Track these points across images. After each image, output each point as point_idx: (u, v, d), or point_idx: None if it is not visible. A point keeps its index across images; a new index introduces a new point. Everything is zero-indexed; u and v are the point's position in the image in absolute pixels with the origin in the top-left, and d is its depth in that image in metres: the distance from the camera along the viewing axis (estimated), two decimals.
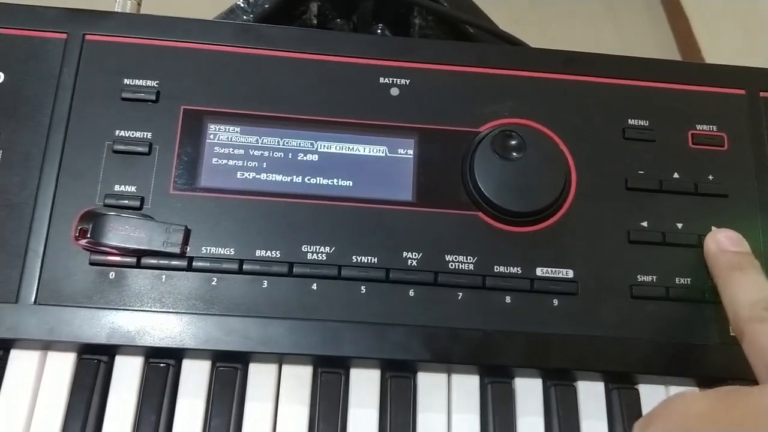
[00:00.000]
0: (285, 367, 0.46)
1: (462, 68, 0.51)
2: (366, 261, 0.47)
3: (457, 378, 0.47)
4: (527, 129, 0.50)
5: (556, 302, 0.47)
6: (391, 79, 0.51)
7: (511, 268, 0.48)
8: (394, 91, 0.51)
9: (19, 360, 0.45)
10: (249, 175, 0.48)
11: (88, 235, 0.44)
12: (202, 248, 0.46)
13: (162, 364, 0.45)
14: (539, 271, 0.48)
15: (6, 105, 0.48)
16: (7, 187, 0.46)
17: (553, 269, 0.48)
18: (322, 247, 0.47)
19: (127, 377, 0.45)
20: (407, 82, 0.51)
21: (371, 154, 0.49)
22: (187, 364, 0.46)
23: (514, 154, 0.48)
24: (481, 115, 0.50)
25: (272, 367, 0.46)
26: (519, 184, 0.48)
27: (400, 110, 0.50)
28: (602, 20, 1.95)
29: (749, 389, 0.36)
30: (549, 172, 0.49)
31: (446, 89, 0.51)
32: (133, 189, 0.47)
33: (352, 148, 0.49)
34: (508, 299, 0.47)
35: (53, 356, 0.45)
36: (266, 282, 0.46)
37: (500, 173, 0.48)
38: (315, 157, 0.49)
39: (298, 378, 0.46)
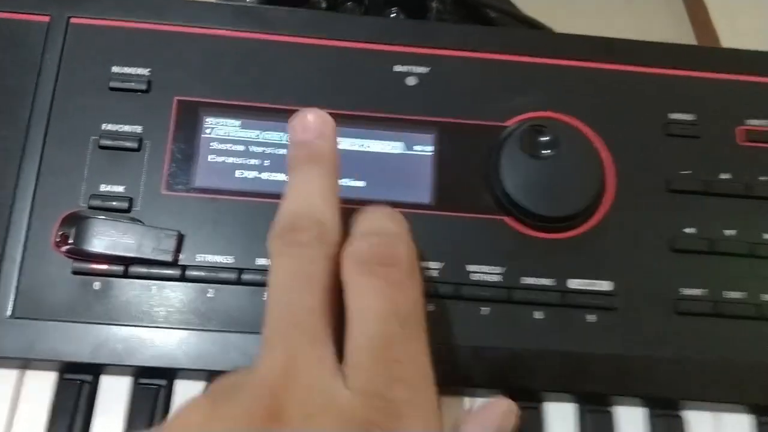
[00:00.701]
0: None
1: (486, 55, 0.46)
2: None
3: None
4: (559, 124, 0.44)
5: (591, 318, 0.42)
6: (407, 67, 0.46)
7: (541, 279, 0.43)
8: (411, 81, 0.46)
9: None
10: (249, 174, 0.43)
11: (70, 241, 0.40)
12: (197, 256, 0.41)
13: (152, 385, 0.41)
14: (572, 283, 0.43)
15: None
16: None
17: (588, 281, 0.43)
18: None
19: (113, 399, 0.41)
20: (426, 70, 0.46)
21: (385, 151, 0.44)
22: (181, 385, 0.41)
23: (545, 151, 0.43)
24: (507, 108, 0.45)
25: None
26: (550, 186, 0.43)
27: (417, 102, 0.45)
28: (617, 6, 1.89)
29: (246, 371, 0.30)
30: (583, 172, 0.44)
31: (469, 79, 0.46)
32: (120, 189, 0.42)
33: (364, 144, 0.44)
34: (537, 314, 0.42)
35: (32, 375, 0.41)
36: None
37: (529, 173, 0.43)
38: None
39: None
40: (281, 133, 0.44)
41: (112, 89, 0.44)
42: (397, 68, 0.46)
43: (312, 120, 0.35)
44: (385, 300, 0.30)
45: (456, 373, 0.41)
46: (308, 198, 0.33)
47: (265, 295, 0.33)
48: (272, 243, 0.32)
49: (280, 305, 0.31)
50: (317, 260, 0.31)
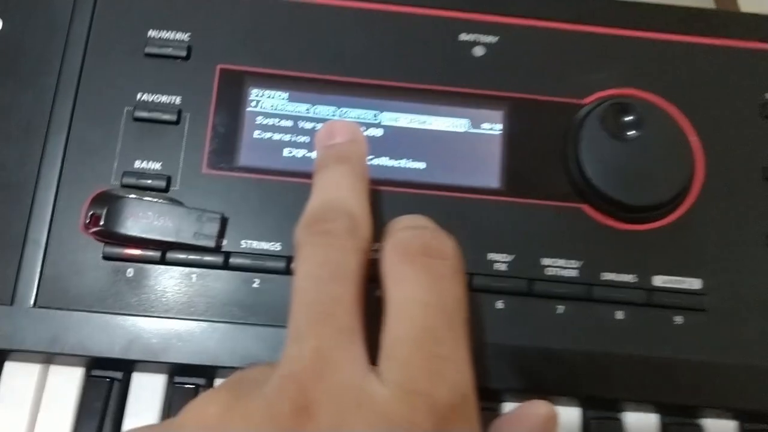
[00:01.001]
0: None
1: (562, 25, 0.42)
2: None
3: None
4: (644, 102, 0.40)
5: (678, 319, 0.38)
6: (474, 36, 0.41)
7: (623, 275, 0.38)
8: (479, 51, 0.41)
9: (15, 375, 0.36)
10: (298, 152, 0.39)
11: (101, 223, 0.36)
12: (242, 242, 0.37)
13: (190, 385, 0.37)
14: (658, 280, 0.38)
15: (4, 60, 0.39)
16: (3, 162, 0.37)
17: (676, 278, 0.38)
18: None
19: (146, 399, 0.37)
20: (494, 40, 0.41)
21: (449, 129, 0.40)
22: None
23: (630, 132, 0.39)
24: (585, 84, 0.41)
25: None
26: (635, 171, 0.38)
27: (485, 75, 0.40)
28: None
29: (269, 364, 0.28)
30: (671, 157, 0.39)
31: (543, 50, 0.41)
32: (157, 166, 0.38)
33: (426, 121, 0.40)
34: (618, 314, 0.38)
35: (56, 371, 0.37)
36: None
37: (612, 156, 0.38)
38: (379, 132, 0.40)
39: None
40: (333, 107, 0.40)
41: (148, 55, 0.39)
42: (463, 37, 0.41)
43: (341, 125, 0.34)
44: (431, 292, 0.27)
45: (527, 378, 0.37)
46: (337, 191, 0.31)
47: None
48: (299, 233, 0.30)
49: (308, 294, 0.28)
50: (347, 251, 0.29)
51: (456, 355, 0.27)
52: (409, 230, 0.30)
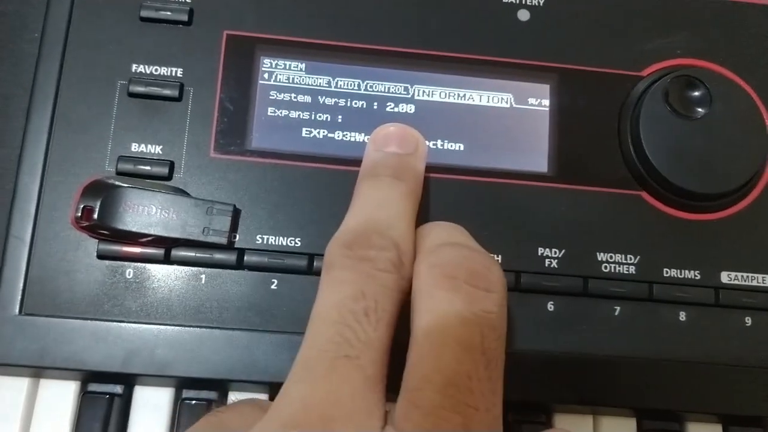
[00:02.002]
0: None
1: None
2: None
3: (608, 422, 0.34)
4: (712, 74, 0.35)
5: (749, 321, 0.34)
6: None
7: (687, 271, 0.34)
8: (523, 15, 0.36)
9: (1, 391, 0.32)
10: (319, 132, 0.34)
11: (95, 217, 0.31)
12: (257, 237, 0.32)
13: (200, 401, 0.32)
14: (726, 277, 0.34)
15: None
16: None
17: (746, 274, 0.34)
18: None
19: (150, 417, 0.32)
20: (541, 2, 0.36)
21: (490, 104, 0.35)
22: (236, 400, 0.33)
23: (698, 109, 0.34)
24: (643, 53, 0.36)
25: None
26: (702, 153, 0.34)
27: (530, 43, 0.35)
28: None
29: (250, 406, 0.26)
30: (744, 138, 0.34)
31: (595, 14, 0.36)
32: (157, 150, 0.33)
33: (464, 95, 0.35)
34: (682, 315, 0.34)
35: (47, 386, 0.32)
36: None
37: (676, 137, 0.34)
38: (411, 108, 0.35)
39: None
40: (358, 80, 0.35)
41: (144, 20, 0.34)
42: None
43: (405, 133, 0.30)
44: (472, 330, 0.24)
45: (580, 389, 0.33)
46: (387, 213, 0.27)
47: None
48: (336, 251, 0.26)
49: (334, 328, 0.24)
50: (388, 289, 0.25)
51: (489, 403, 0.23)
52: (454, 249, 0.26)
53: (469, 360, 0.23)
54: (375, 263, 0.25)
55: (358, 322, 0.24)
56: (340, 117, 0.34)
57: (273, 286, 0.32)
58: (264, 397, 0.33)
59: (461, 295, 0.24)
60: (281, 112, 0.34)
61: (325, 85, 0.34)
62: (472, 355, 0.23)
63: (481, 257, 0.26)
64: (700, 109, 0.34)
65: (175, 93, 0.33)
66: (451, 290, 0.24)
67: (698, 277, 0.34)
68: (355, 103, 0.34)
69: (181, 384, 0.32)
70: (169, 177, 0.32)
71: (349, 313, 0.24)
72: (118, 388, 0.32)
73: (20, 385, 0.32)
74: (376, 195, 0.28)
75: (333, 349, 0.23)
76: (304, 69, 0.35)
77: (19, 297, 0.31)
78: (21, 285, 0.31)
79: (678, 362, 0.33)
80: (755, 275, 0.34)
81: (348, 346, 0.23)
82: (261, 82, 0.34)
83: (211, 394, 0.33)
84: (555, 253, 0.33)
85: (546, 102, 0.35)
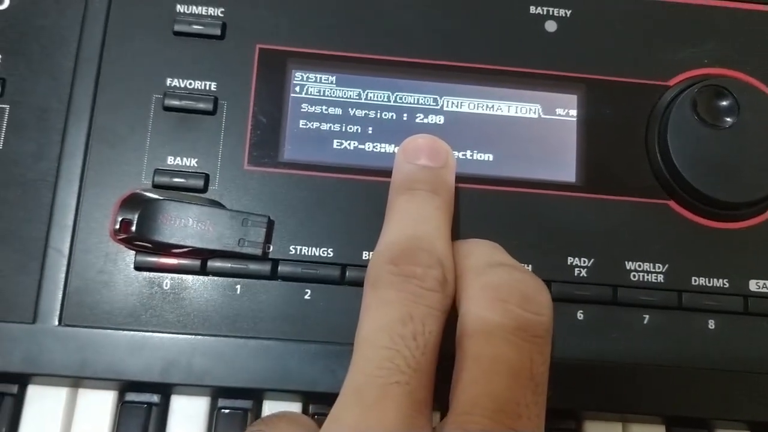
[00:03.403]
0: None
1: None
2: None
3: (637, 430, 0.35)
4: (740, 83, 0.35)
5: None
6: (546, 9, 0.36)
7: (716, 280, 0.34)
8: (551, 26, 0.36)
9: (41, 400, 0.33)
10: (350, 143, 0.34)
11: (133, 229, 0.31)
12: (290, 248, 0.33)
13: (235, 410, 0.33)
14: (754, 285, 0.34)
15: (12, 41, 0.34)
16: (16, 157, 0.33)
17: None
18: None
19: (186, 426, 0.33)
20: (568, 13, 0.36)
21: (518, 115, 0.35)
22: (271, 409, 0.33)
23: (726, 119, 0.34)
24: (670, 63, 0.36)
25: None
26: (730, 162, 0.34)
27: (558, 53, 0.36)
28: None
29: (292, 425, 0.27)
30: None
31: (622, 24, 0.36)
32: (193, 163, 0.33)
33: (492, 106, 0.35)
34: (711, 324, 0.34)
35: (86, 396, 0.33)
36: None
37: (704, 146, 0.34)
38: (440, 119, 0.35)
39: None
40: (388, 92, 0.35)
41: (178, 34, 0.34)
42: (534, 10, 0.36)
43: (435, 145, 0.30)
44: (523, 356, 0.24)
45: (610, 396, 0.33)
46: (429, 229, 0.27)
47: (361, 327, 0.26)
48: (381, 268, 0.26)
49: (382, 353, 0.24)
50: (435, 309, 0.25)
51: (534, 426, 0.24)
52: (506, 272, 0.26)
53: (518, 386, 0.24)
54: (422, 281, 0.25)
55: (407, 347, 0.24)
56: (370, 128, 0.35)
57: (306, 296, 0.33)
58: (297, 405, 0.33)
59: (513, 320, 0.24)
60: (312, 125, 0.34)
61: (355, 97, 0.35)
62: (521, 381, 0.24)
63: (532, 280, 0.26)
64: (728, 119, 0.34)
65: (209, 106, 0.33)
66: (503, 314, 0.25)
67: (727, 285, 0.34)
68: (385, 115, 0.35)
69: (217, 393, 0.33)
70: (204, 189, 0.33)
71: (399, 338, 0.24)
72: (155, 398, 0.33)
73: (60, 394, 0.32)
74: (414, 210, 0.28)
75: (384, 375, 0.24)
76: (334, 82, 0.35)
77: (59, 308, 0.32)
78: (60, 297, 0.32)
79: (707, 370, 0.33)
80: None
81: (398, 372, 0.24)
82: (293, 95, 0.35)
83: (247, 404, 0.33)
84: (584, 262, 0.34)
85: (574, 112, 0.35)
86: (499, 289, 0.25)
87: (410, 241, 0.27)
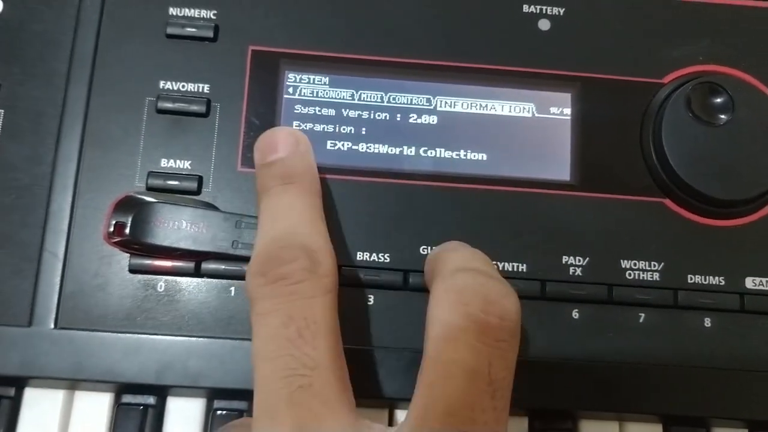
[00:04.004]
0: (398, 413, 0.34)
1: None
2: (510, 269, 0.33)
3: (633, 429, 0.35)
4: (734, 80, 0.35)
5: None
6: (539, 7, 0.36)
7: (712, 278, 0.34)
8: (544, 25, 0.36)
9: (37, 403, 0.33)
10: (343, 144, 0.35)
11: (127, 232, 0.31)
12: None
13: (231, 411, 0.33)
14: (750, 282, 0.34)
15: (6, 45, 0.34)
16: (11, 161, 0.33)
17: None
18: None
19: (182, 428, 0.33)
20: (561, 12, 0.36)
21: (512, 114, 0.35)
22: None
23: (720, 116, 0.34)
24: (665, 60, 0.36)
25: (383, 413, 0.34)
26: (725, 160, 0.34)
27: (551, 52, 0.36)
28: None
29: None
30: (766, 144, 0.34)
31: (616, 22, 0.36)
32: (186, 165, 0.33)
33: (486, 106, 0.35)
34: (707, 322, 0.34)
35: (82, 398, 0.33)
36: (373, 297, 0.33)
37: (699, 144, 0.34)
38: (433, 119, 0.35)
39: None
40: (381, 93, 0.35)
41: (170, 37, 0.34)
42: (527, 8, 0.36)
43: (281, 137, 0.30)
44: (481, 359, 0.24)
45: (607, 396, 0.33)
46: (287, 223, 0.27)
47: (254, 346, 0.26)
48: (251, 284, 0.26)
49: (276, 363, 0.24)
50: (312, 297, 0.25)
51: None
52: (470, 276, 0.25)
53: (474, 390, 0.23)
54: (290, 278, 0.25)
55: (297, 347, 0.24)
56: (363, 129, 0.35)
57: None
58: None
59: (473, 324, 0.24)
60: (306, 126, 0.34)
61: (348, 98, 0.35)
62: (477, 385, 0.23)
63: (496, 285, 0.25)
64: (722, 116, 0.34)
65: (202, 109, 0.34)
66: (463, 318, 0.24)
67: (723, 283, 0.34)
68: (379, 115, 0.35)
69: (213, 395, 0.33)
70: (198, 191, 0.33)
71: (286, 341, 0.24)
72: (151, 399, 0.33)
73: (56, 397, 0.33)
74: (270, 209, 0.28)
75: (285, 386, 0.23)
76: (327, 82, 0.35)
77: (54, 312, 0.32)
78: (56, 300, 0.32)
79: (703, 368, 0.33)
80: None
81: (298, 376, 0.23)
82: (286, 96, 0.35)
83: (242, 404, 0.33)
84: (579, 261, 0.34)
85: (568, 111, 0.35)
86: (462, 293, 0.25)
87: (269, 245, 0.26)
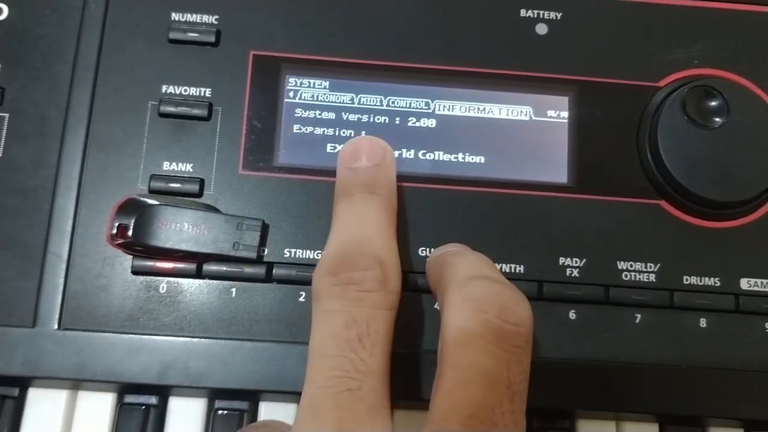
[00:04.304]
0: (398, 413, 0.34)
1: None
2: (508, 270, 0.34)
3: (630, 428, 0.35)
4: (729, 84, 0.35)
5: None
6: (536, 12, 0.37)
7: (707, 279, 0.34)
8: (541, 29, 0.37)
9: (41, 403, 0.33)
10: None
11: (130, 234, 0.32)
12: (285, 251, 0.33)
13: (232, 411, 0.33)
14: (745, 283, 0.35)
15: (11, 50, 0.34)
16: (16, 164, 0.33)
17: (765, 281, 0.35)
18: None
19: (184, 427, 0.33)
20: (558, 16, 0.37)
21: (510, 117, 0.36)
22: (267, 409, 0.34)
23: (716, 119, 0.34)
24: (661, 64, 0.36)
25: None
26: (720, 162, 0.34)
27: (549, 56, 0.36)
28: None
29: None
30: (762, 146, 0.35)
31: (612, 27, 0.37)
32: (188, 168, 0.34)
33: (484, 109, 0.36)
34: (703, 322, 0.34)
35: (86, 398, 0.34)
36: None
37: (694, 146, 0.34)
38: (432, 122, 0.35)
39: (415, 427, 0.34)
40: (380, 96, 0.36)
41: (173, 42, 0.35)
42: (524, 13, 0.37)
43: (369, 144, 0.30)
44: (500, 365, 0.25)
45: (604, 396, 0.33)
46: (365, 230, 0.28)
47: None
48: (321, 281, 0.26)
49: (331, 361, 0.25)
50: (378, 309, 0.26)
51: None
52: (486, 284, 0.26)
53: (494, 394, 0.24)
54: (361, 284, 0.25)
55: (354, 351, 0.24)
56: (363, 132, 0.35)
57: (301, 299, 0.33)
58: (292, 406, 0.34)
59: (491, 330, 0.25)
60: (306, 129, 0.35)
61: (348, 102, 0.35)
62: (497, 389, 0.24)
63: (512, 292, 0.26)
64: (717, 119, 0.34)
65: (204, 112, 0.34)
66: (482, 324, 0.25)
67: (718, 284, 0.34)
68: (378, 119, 0.35)
69: (214, 395, 0.33)
70: (199, 194, 0.33)
71: (345, 343, 0.24)
72: (153, 399, 0.33)
73: (59, 397, 0.33)
74: (351, 214, 0.28)
75: (334, 385, 0.24)
76: (328, 87, 0.35)
77: (58, 312, 0.32)
78: (59, 301, 0.32)
79: (699, 368, 0.34)
80: None
81: (348, 379, 0.24)
82: (286, 100, 0.35)
83: (243, 405, 0.34)
84: (576, 262, 0.34)
85: (565, 114, 0.36)
86: (479, 300, 0.25)
87: (346, 248, 0.27)
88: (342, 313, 0.25)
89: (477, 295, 0.26)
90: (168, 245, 0.32)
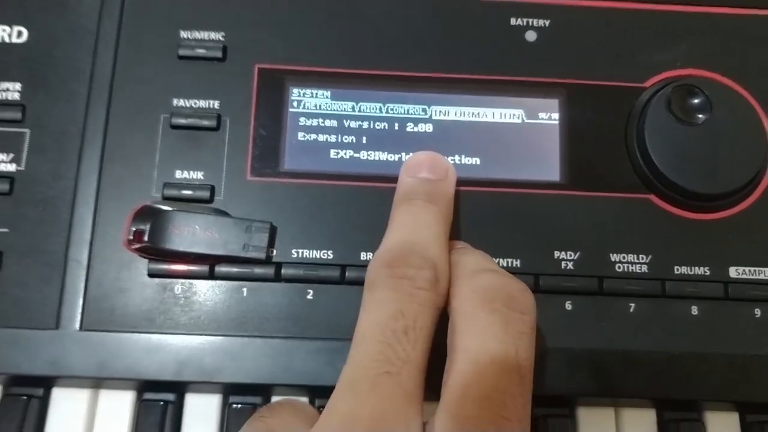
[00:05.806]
0: None
1: (618, 4, 0.39)
2: (505, 264, 0.36)
3: (628, 414, 0.36)
4: (712, 83, 0.37)
5: (758, 313, 0.36)
6: (525, 20, 0.39)
7: (697, 268, 0.36)
8: (531, 36, 0.38)
9: (64, 402, 0.35)
10: (345, 153, 0.37)
11: (145, 239, 0.34)
12: (292, 251, 0.35)
13: (246, 405, 0.35)
14: (734, 272, 0.36)
15: (31, 71, 0.37)
16: (37, 176, 0.35)
17: (753, 269, 0.36)
18: None
19: (201, 422, 0.35)
20: (547, 23, 0.39)
21: (503, 120, 0.37)
22: (275, 401, 0.35)
23: (699, 116, 0.36)
24: (646, 66, 0.38)
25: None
26: (705, 157, 0.36)
27: (539, 61, 0.38)
28: None
29: (290, 414, 0.29)
30: (744, 140, 0.36)
31: (598, 32, 0.39)
32: (199, 176, 0.36)
33: (478, 113, 0.37)
34: (694, 310, 0.36)
35: (107, 396, 0.35)
36: None
37: (680, 142, 0.36)
38: (429, 127, 0.37)
39: None
40: (379, 104, 0.37)
41: (182, 58, 0.37)
42: (514, 21, 0.39)
43: (437, 160, 0.32)
44: (508, 349, 0.26)
45: (601, 382, 0.35)
46: (423, 234, 0.29)
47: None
48: (378, 271, 0.28)
49: (376, 347, 0.26)
50: (426, 306, 0.27)
51: (520, 415, 0.26)
52: (493, 276, 0.28)
53: (504, 377, 0.26)
54: (414, 281, 0.27)
55: (398, 341, 0.26)
56: (364, 138, 0.37)
57: (309, 296, 0.35)
58: (303, 400, 0.35)
59: (500, 318, 0.27)
60: (310, 137, 0.37)
61: (349, 110, 0.37)
62: (507, 372, 0.26)
63: (516, 283, 0.28)
64: (700, 116, 0.36)
65: (213, 123, 0.36)
66: (491, 313, 0.27)
67: (708, 273, 0.36)
68: (378, 125, 0.37)
69: (228, 390, 0.35)
70: (210, 200, 0.35)
71: (391, 332, 0.26)
72: (171, 396, 0.35)
73: (82, 396, 0.35)
74: (411, 217, 0.30)
75: (375, 367, 0.25)
76: (329, 96, 0.37)
77: (79, 314, 0.34)
78: (80, 304, 0.34)
79: (692, 354, 0.35)
80: (762, 269, 0.36)
81: (389, 363, 0.25)
82: (291, 110, 0.37)
83: (256, 399, 0.35)
84: (570, 255, 0.36)
85: (556, 116, 0.38)
86: (487, 291, 0.27)
87: (405, 245, 0.29)
88: (392, 304, 0.27)
89: (485, 286, 0.27)
90: (182, 248, 0.34)
